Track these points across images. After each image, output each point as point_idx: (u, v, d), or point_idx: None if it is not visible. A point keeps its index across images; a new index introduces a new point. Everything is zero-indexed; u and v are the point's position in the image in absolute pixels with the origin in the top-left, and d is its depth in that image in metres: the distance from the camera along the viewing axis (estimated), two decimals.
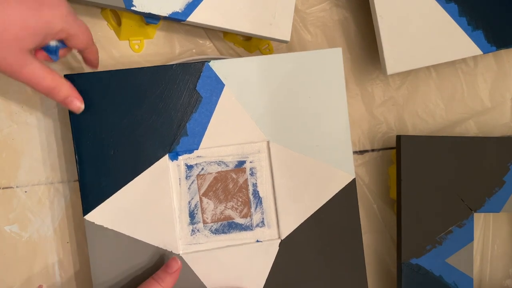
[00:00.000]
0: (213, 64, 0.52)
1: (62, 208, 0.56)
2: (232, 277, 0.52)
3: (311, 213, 0.54)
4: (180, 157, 0.52)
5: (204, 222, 0.53)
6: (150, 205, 0.51)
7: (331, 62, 0.53)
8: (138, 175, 0.51)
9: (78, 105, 0.48)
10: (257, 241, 0.54)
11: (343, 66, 0.54)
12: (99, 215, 0.50)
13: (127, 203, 0.51)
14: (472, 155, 0.57)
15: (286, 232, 0.53)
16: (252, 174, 0.54)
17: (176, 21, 0.53)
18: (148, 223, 0.51)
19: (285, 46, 0.60)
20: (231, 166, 0.53)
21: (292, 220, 0.53)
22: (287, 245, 0.53)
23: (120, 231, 0.50)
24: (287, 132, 0.53)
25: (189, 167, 0.53)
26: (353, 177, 0.54)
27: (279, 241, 0.53)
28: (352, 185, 0.54)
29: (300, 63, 0.53)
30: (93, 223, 0.50)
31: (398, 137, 0.56)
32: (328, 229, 0.54)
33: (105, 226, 0.50)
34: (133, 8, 0.50)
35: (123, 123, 0.50)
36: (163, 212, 0.51)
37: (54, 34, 0.44)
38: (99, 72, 0.50)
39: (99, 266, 0.50)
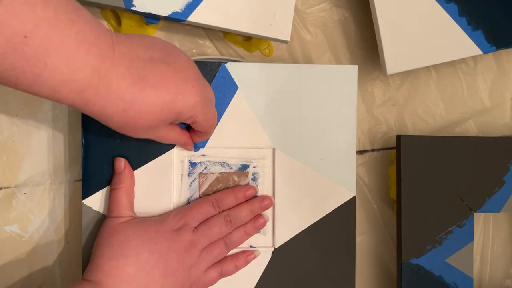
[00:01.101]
0: (230, 66, 0.52)
1: (62, 208, 0.56)
2: (221, 280, 0.52)
3: (308, 226, 0.54)
4: (185, 153, 0.52)
5: None
6: (149, 197, 0.51)
7: (346, 78, 0.53)
8: (141, 166, 0.51)
9: (190, 149, 0.52)
10: (251, 246, 0.53)
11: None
12: (97, 201, 0.50)
13: None
14: (472, 155, 0.57)
15: (280, 241, 0.53)
16: (254, 179, 0.54)
17: (176, 21, 0.52)
18: (145, 214, 0.51)
19: (285, 46, 0.60)
20: (234, 168, 0.53)
21: (288, 230, 0.53)
22: (279, 255, 0.53)
23: None
24: (293, 142, 0.53)
25: (193, 165, 0.53)
26: (354, 195, 0.54)
27: (273, 249, 0.53)
28: (351, 203, 0.54)
29: (316, 75, 0.53)
30: (91, 208, 0.50)
31: (398, 137, 0.56)
32: (322, 243, 0.54)
33: (102, 212, 0.51)
34: (133, 8, 0.50)
35: None
36: (161, 205, 0.51)
37: (182, 120, 0.45)
38: None
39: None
